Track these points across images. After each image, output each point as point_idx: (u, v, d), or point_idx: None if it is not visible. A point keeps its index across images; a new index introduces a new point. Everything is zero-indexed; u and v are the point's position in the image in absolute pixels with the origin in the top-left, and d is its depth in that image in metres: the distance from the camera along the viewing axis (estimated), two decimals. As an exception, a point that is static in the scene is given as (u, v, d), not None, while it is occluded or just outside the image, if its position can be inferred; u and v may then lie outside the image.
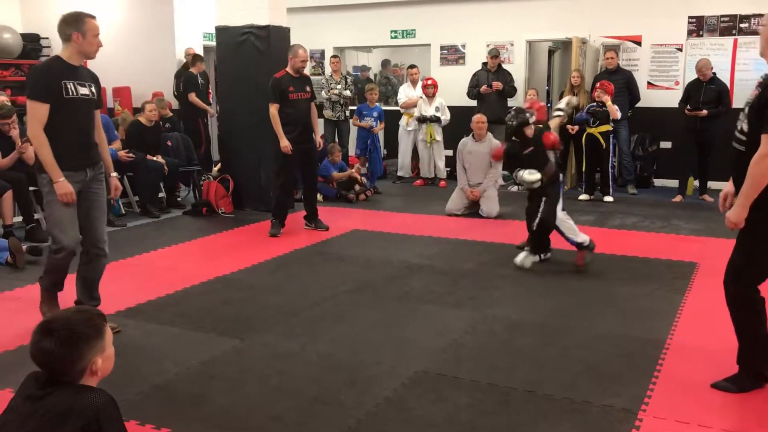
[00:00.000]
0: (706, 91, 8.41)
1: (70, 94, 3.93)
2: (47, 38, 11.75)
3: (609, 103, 8.42)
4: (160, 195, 8.29)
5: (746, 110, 3.18)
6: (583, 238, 5.62)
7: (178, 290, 5.02)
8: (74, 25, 3.91)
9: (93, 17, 4.03)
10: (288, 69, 6.73)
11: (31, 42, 11.69)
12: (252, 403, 3.30)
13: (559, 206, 5.66)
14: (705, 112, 8.27)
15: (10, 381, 3.39)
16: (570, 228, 5.62)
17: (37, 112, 3.85)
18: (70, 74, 3.95)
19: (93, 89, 4.09)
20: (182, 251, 6.32)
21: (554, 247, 5.94)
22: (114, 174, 4.44)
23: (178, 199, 8.55)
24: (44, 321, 1.88)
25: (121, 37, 11.16)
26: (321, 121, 10.29)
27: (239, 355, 3.89)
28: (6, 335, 4.16)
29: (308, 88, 6.82)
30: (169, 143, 8.61)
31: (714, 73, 8.49)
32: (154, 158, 7.92)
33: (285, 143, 6.59)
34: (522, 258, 5.59)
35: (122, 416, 1.95)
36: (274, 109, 6.64)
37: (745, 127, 3.19)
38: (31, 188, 6.72)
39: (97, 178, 4.20)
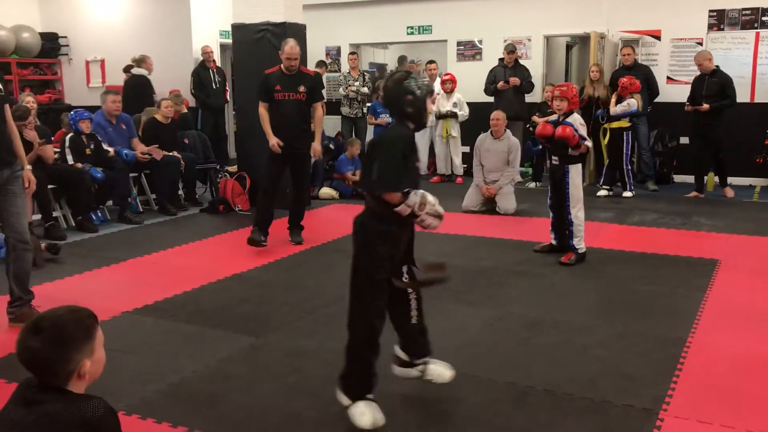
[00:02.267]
0: (709, 84, 8.27)
1: None
2: (65, 37, 11.83)
3: (612, 99, 8.40)
4: (178, 192, 8.31)
5: None
6: (582, 247, 5.61)
7: (195, 288, 5.03)
8: None
9: None
10: (281, 65, 6.18)
11: (50, 41, 11.78)
12: (269, 401, 3.29)
13: (581, 206, 5.61)
14: (706, 106, 8.14)
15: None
16: (580, 232, 5.59)
17: None
18: None
19: (1, 86, 4.07)
20: (199, 249, 6.33)
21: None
22: (28, 167, 4.34)
23: (197, 196, 8.58)
24: (33, 319, 1.79)
25: (138, 35, 11.21)
26: (338, 118, 10.32)
27: (256, 353, 3.88)
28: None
29: (302, 88, 6.13)
30: (186, 141, 8.64)
31: (717, 66, 8.34)
32: (171, 154, 7.94)
33: (273, 141, 6.03)
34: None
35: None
36: (262, 108, 6.13)
37: None
38: (49, 186, 6.77)
39: (14, 176, 4.17)
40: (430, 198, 3.05)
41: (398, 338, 3.32)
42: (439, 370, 3.34)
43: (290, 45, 6.09)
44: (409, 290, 3.21)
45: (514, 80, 9.50)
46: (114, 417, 1.78)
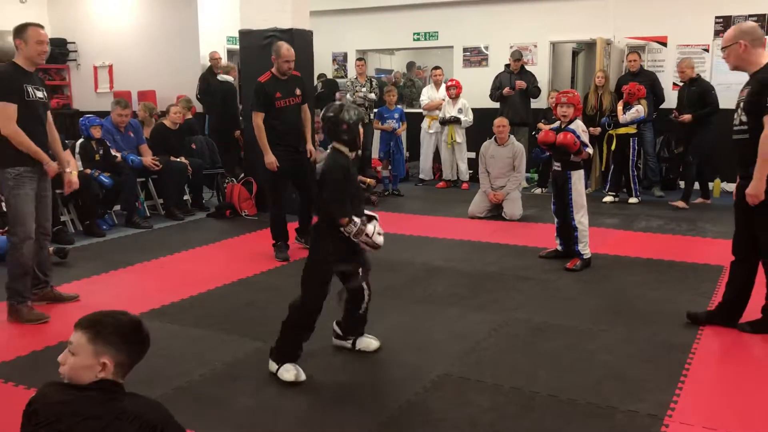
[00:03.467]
0: (689, 93, 8.23)
1: (31, 96, 4.40)
2: (74, 43, 11.91)
3: (619, 107, 8.40)
4: (185, 197, 8.35)
5: (741, 105, 3.95)
6: (587, 253, 5.62)
7: (201, 292, 5.05)
8: (17, 33, 4.36)
9: (38, 26, 4.43)
10: (273, 71, 5.99)
11: (59, 47, 11.86)
12: (275, 405, 3.30)
13: (584, 211, 5.63)
14: (688, 116, 8.10)
15: (37, 382, 3.44)
16: (585, 238, 5.60)
17: (9, 112, 4.28)
18: (27, 79, 4.41)
19: (45, 93, 4.56)
20: (206, 253, 6.36)
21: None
22: (68, 170, 4.84)
23: (203, 201, 8.62)
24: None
25: (146, 41, 11.29)
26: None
27: (262, 356, 3.89)
28: (31, 336, 4.22)
29: (298, 91, 6.04)
30: (193, 146, 8.69)
31: (698, 75, 8.36)
32: (178, 159, 7.99)
33: (270, 159, 5.87)
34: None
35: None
36: (258, 119, 5.88)
37: (744, 119, 3.90)
38: (57, 191, 6.81)
39: (46, 173, 4.60)
40: (370, 228, 3.61)
41: (342, 317, 3.94)
42: (367, 341, 3.97)
43: (287, 47, 5.93)
44: (365, 288, 3.82)
45: (520, 83, 9.48)
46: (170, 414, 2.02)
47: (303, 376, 3.52)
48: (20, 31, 4.38)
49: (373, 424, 3.11)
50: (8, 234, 4.55)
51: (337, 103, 3.73)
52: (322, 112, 3.73)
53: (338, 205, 3.52)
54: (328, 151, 3.67)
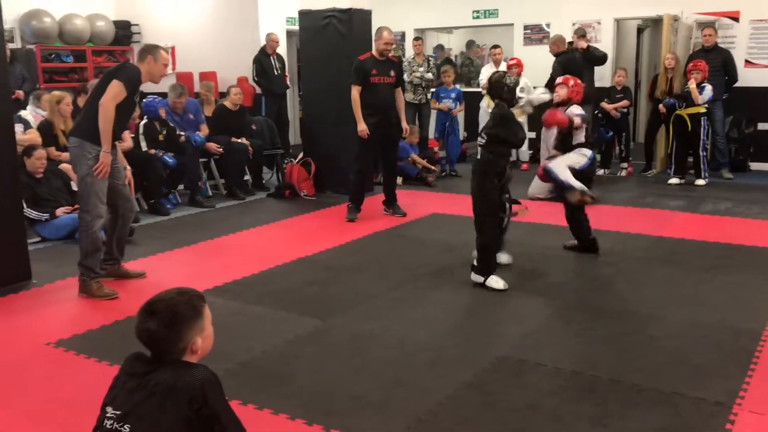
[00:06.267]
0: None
1: (135, 101, 4.91)
2: (137, 25, 12.17)
3: (692, 86, 7.99)
4: (246, 177, 8.48)
5: None
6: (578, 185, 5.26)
7: (263, 270, 5.14)
8: (150, 51, 4.79)
9: (166, 50, 4.93)
10: (373, 52, 6.74)
11: (123, 29, 12.14)
12: (334, 383, 3.34)
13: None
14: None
15: (106, 355, 3.57)
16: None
17: (119, 94, 4.53)
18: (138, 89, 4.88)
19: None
20: (266, 232, 6.46)
21: (641, 232, 5.75)
22: (128, 168, 5.34)
23: (263, 181, 8.74)
24: (148, 302, 1.98)
25: (207, 23, 11.44)
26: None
27: (322, 335, 3.95)
28: (101, 311, 4.37)
29: (392, 73, 6.74)
30: (253, 127, 8.80)
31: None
32: (239, 140, 8.11)
33: (362, 127, 6.58)
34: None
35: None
36: (355, 92, 6.62)
37: None
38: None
39: (116, 153, 4.90)
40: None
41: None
42: (504, 257, 5.06)
43: (388, 31, 6.72)
44: (507, 206, 4.93)
45: (581, 44, 9.05)
46: (218, 381, 1.95)
47: (507, 284, 4.54)
48: (152, 50, 4.80)
49: (432, 403, 3.12)
50: (80, 212, 4.66)
51: (500, 71, 5.10)
52: (489, 75, 4.99)
53: (513, 135, 4.66)
54: (494, 107, 4.82)
